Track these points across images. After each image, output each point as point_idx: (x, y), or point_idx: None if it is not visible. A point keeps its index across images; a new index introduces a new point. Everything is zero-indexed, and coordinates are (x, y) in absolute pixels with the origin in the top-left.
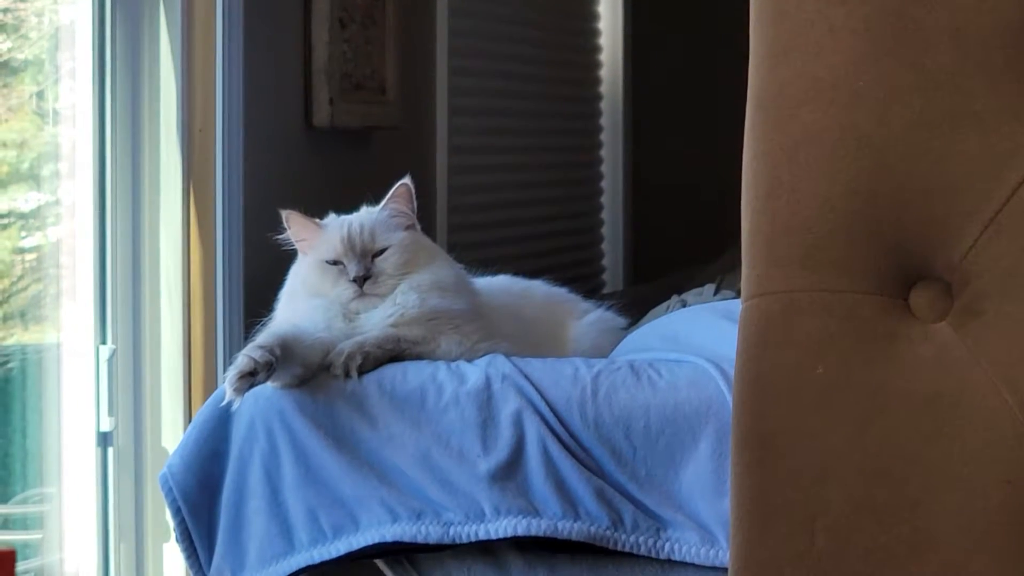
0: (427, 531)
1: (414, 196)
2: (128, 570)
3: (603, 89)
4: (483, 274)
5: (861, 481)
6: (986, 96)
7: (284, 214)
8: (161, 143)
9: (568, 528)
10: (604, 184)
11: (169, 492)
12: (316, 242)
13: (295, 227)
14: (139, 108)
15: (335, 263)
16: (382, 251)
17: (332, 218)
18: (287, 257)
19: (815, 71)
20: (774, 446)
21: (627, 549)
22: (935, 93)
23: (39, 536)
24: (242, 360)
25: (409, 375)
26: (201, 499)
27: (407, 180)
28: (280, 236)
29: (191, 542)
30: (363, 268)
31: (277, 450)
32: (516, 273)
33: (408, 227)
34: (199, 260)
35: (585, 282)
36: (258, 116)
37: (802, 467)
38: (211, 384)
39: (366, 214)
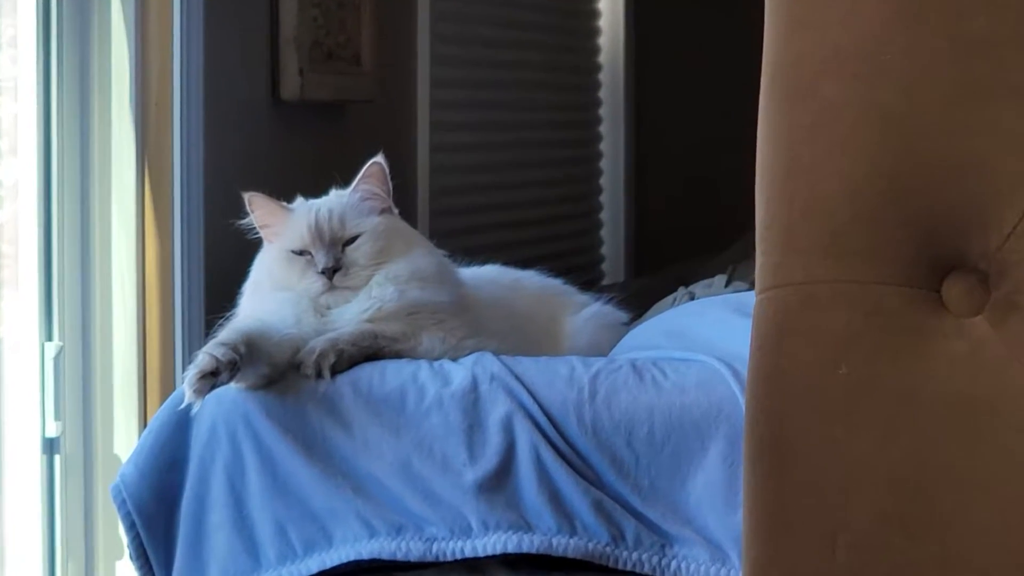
0: (408, 547)
1: (388, 176)
2: None
3: (602, 59)
4: (469, 264)
5: (888, 493)
6: None
7: (247, 197)
8: (112, 118)
9: (564, 544)
10: (603, 164)
11: (122, 504)
12: (282, 229)
13: (260, 211)
14: (88, 80)
15: (302, 253)
16: (353, 239)
17: (300, 202)
18: (252, 245)
19: (837, 40)
20: (792, 454)
21: (629, 567)
22: (968, 63)
23: None
24: (203, 358)
25: (387, 375)
26: (158, 512)
27: (379, 159)
28: (243, 221)
29: (146, 559)
30: (332, 259)
31: (242, 458)
32: (506, 263)
33: (383, 211)
34: (155, 248)
35: (582, 273)
36: (220, 89)
37: (823, 477)
38: (168, 385)
39: (335, 198)
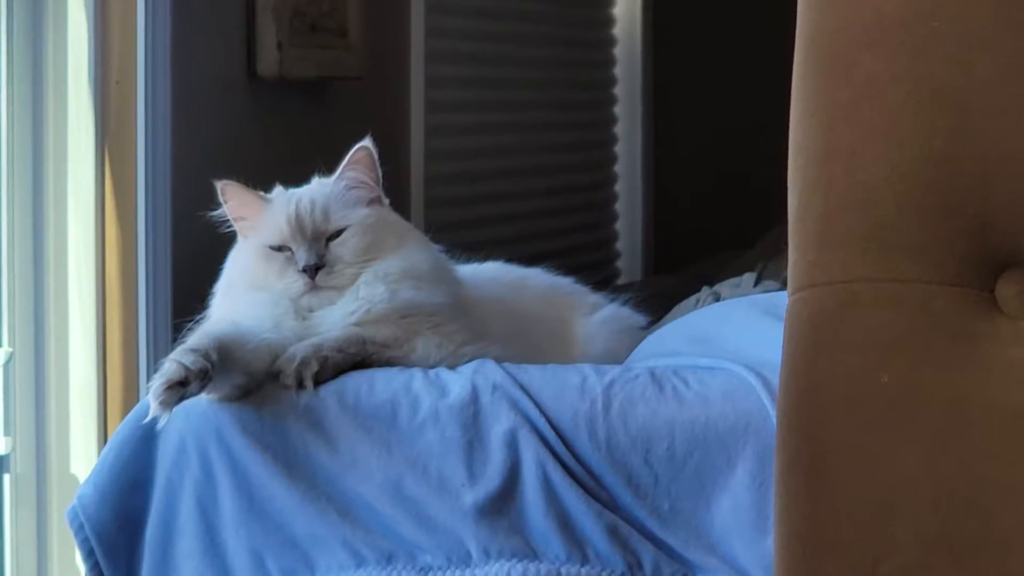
0: None
1: (377, 162)
2: None
3: (617, 31)
4: (468, 260)
5: (936, 514)
6: None
7: (220, 186)
8: (69, 98)
9: (574, 574)
10: (619, 149)
11: (80, 529)
12: (259, 221)
13: (233, 202)
14: (41, 54)
15: (281, 248)
16: (338, 233)
17: (279, 191)
18: (225, 240)
19: (879, 6)
20: (828, 472)
21: None
22: None
23: None
24: (170, 367)
25: (377, 385)
26: (119, 538)
27: (367, 143)
28: (215, 213)
29: None
30: (314, 255)
31: (213, 478)
32: (509, 259)
33: (371, 202)
34: (116, 243)
35: (595, 271)
36: (189, 65)
37: (863, 497)
38: (131, 396)
39: (318, 187)
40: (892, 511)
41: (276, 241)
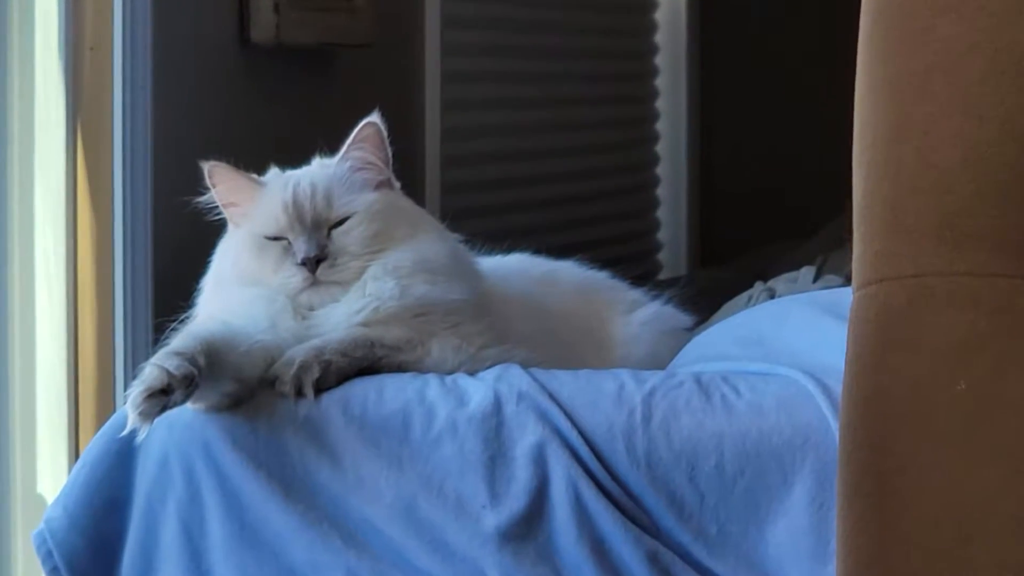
0: None
1: (387, 141)
2: None
3: None
4: (490, 252)
5: (1019, 539)
6: None
7: (207, 167)
8: (36, 66)
9: None
10: (661, 127)
11: (48, 557)
12: (252, 208)
13: (223, 186)
14: (5, 16)
15: (278, 238)
16: (342, 221)
17: (275, 174)
18: (213, 229)
19: None
20: (897, 491)
21: None
22: None
23: None
24: (151, 372)
25: (386, 394)
26: (92, 567)
27: (375, 118)
28: (202, 199)
29: None
30: (314, 246)
31: (200, 498)
32: (537, 251)
33: (379, 185)
34: (89, 231)
35: (635, 264)
36: (173, 29)
37: (937, 519)
38: (107, 406)
39: (319, 169)
40: (970, 536)
41: (271, 230)
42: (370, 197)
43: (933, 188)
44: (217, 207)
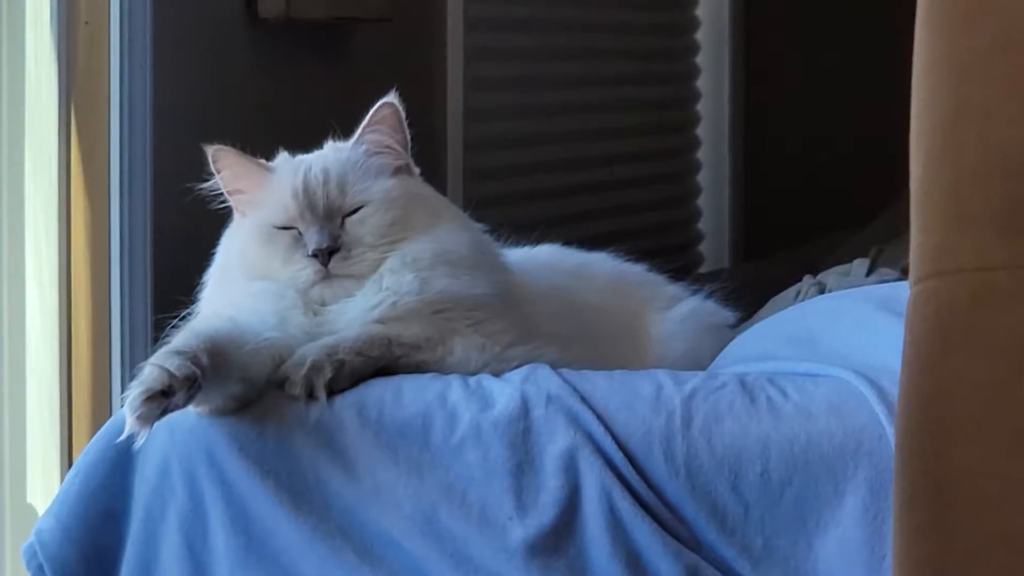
0: None
1: (405, 123)
2: None
3: None
4: (518, 243)
5: None
6: None
7: (211, 151)
8: (27, 43)
9: None
10: (702, 109)
11: (38, 572)
12: (260, 195)
13: (228, 172)
14: None
15: (287, 228)
16: (357, 209)
17: (284, 159)
18: (218, 218)
19: None
20: (958, 502)
21: None
22: None
23: None
24: (150, 373)
25: (405, 396)
26: None
27: (392, 98)
28: (206, 185)
29: None
30: (327, 237)
31: (203, 508)
32: (568, 242)
33: (397, 170)
34: (84, 221)
35: (674, 256)
36: (174, 3)
37: (1001, 532)
38: (102, 409)
39: (332, 153)
40: None
41: (280, 219)
42: (387, 184)
43: (996, 174)
44: (222, 194)
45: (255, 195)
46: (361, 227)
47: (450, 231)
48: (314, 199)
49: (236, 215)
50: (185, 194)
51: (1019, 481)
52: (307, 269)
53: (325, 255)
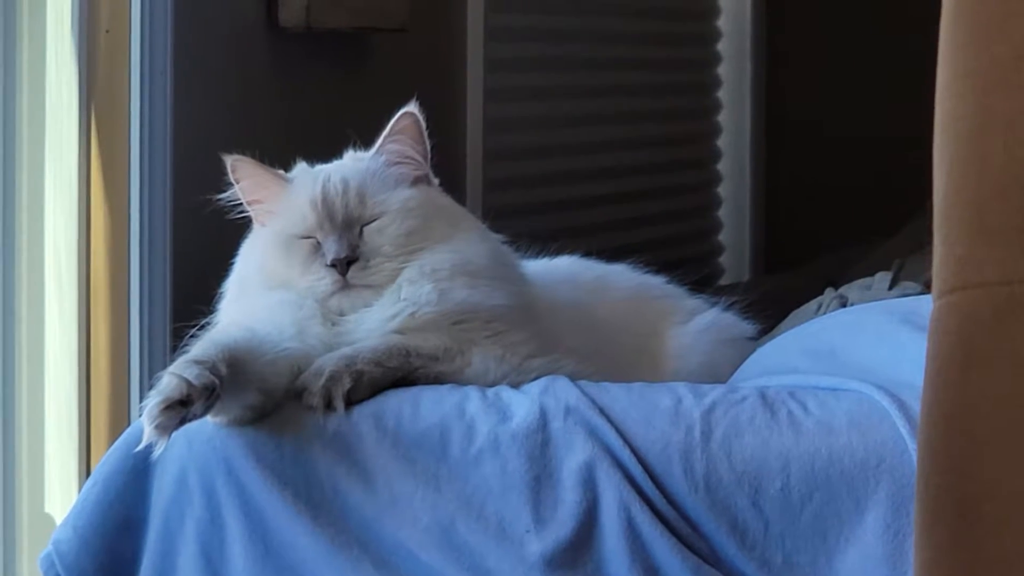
0: None
1: (425, 133)
2: None
3: None
4: (536, 254)
5: None
6: None
7: (230, 161)
8: (48, 50)
9: None
10: (723, 119)
11: None
12: (279, 205)
13: (247, 182)
14: None
15: (306, 237)
16: (375, 219)
17: (302, 169)
18: (237, 228)
19: None
20: (982, 520)
21: None
22: None
23: None
24: (168, 382)
25: (423, 407)
26: None
27: (413, 108)
28: (225, 195)
29: None
30: (346, 246)
31: (221, 519)
32: (587, 254)
33: (417, 180)
34: (104, 230)
35: (694, 268)
36: (195, 11)
37: None
38: (120, 419)
39: (352, 163)
40: None
41: (300, 229)
42: (406, 194)
43: (1020, 187)
44: (240, 204)
45: (273, 205)
46: (380, 237)
47: (469, 241)
48: (333, 209)
49: (255, 225)
50: (205, 203)
51: None
52: (325, 279)
53: (343, 265)
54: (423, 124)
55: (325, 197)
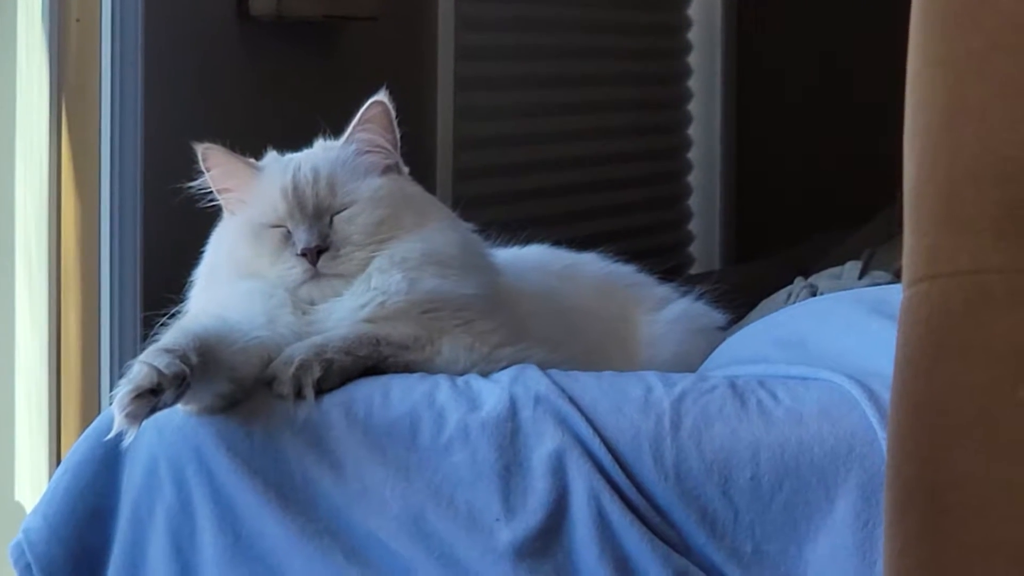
0: None
1: (395, 121)
2: None
3: None
4: (506, 243)
5: None
6: None
7: (201, 150)
8: (18, 38)
9: None
10: (693, 109)
11: (26, 570)
12: (249, 194)
13: (217, 170)
14: None
15: (276, 227)
16: (346, 208)
17: (273, 157)
18: (207, 216)
19: None
20: (953, 509)
21: None
22: None
23: None
24: (139, 371)
25: (393, 396)
26: None
27: (383, 97)
28: (195, 183)
29: None
30: (316, 235)
31: (191, 508)
32: (557, 243)
33: (387, 169)
34: (74, 219)
35: (664, 257)
36: (167, 1)
37: (995, 540)
38: (91, 407)
39: (322, 152)
40: None
41: (271, 218)
42: (376, 183)
43: (992, 177)
44: (211, 192)
45: (244, 194)
46: (350, 226)
47: (439, 231)
48: (303, 198)
49: (225, 214)
50: (175, 192)
51: (1014, 488)
52: (296, 268)
53: (314, 254)
54: (393, 113)
55: (296, 186)
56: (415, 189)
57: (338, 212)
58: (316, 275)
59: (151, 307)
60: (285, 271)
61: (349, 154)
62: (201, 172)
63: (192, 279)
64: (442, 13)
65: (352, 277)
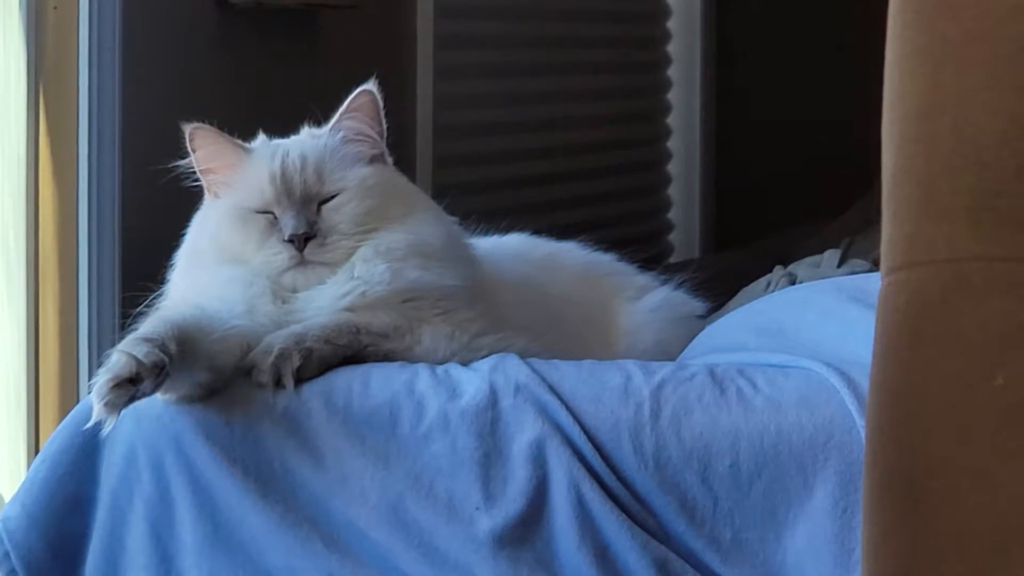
0: None
1: (382, 111)
2: None
3: None
4: (486, 232)
5: None
6: None
7: (189, 130)
8: None
9: None
10: (673, 98)
11: (4, 559)
12: (235, 177)
13: (204, 151)
14: None
15: (263, 212)
16: (333, 196)
17: (262, 142)
18: (188, 198)
19: None
20: (929, 495)
21: None
22: None
23: None
24: (118, 360)
25: (373, 385)
26: (53, 570)
27: (370, 86)
28: (180, 163)
29: None
30: (304, 223)
31: (170, 497)
32: (538, 232)
33: (373, 159)
34: (52, 206)
35: (643, 246)
36: None
37: (972, 526)
38: (69, 396)
39: (309, 140)
40: (1007, 544)
41: (256, 203)
42: (363, 172)
43: (970, 166)
44: (194, 173)
45: (230, 176)
46: (336, 214)
47: (424, 222)
48: (291, 184)
49: (207, 196)
50: (154, 178)
51: (991, 476)
52: (282, 254)
53: (301, 241)
54: (380, 103)
55: (284, 172)
56: (401, 180)
57: (325, 200)
58: (302, 262)
59: (130, 291)
60: (271, 257)
61: (336, 142)
62: (185, 154)
63: (172, 263)
64: (421, 1)
65: (337, 265)
